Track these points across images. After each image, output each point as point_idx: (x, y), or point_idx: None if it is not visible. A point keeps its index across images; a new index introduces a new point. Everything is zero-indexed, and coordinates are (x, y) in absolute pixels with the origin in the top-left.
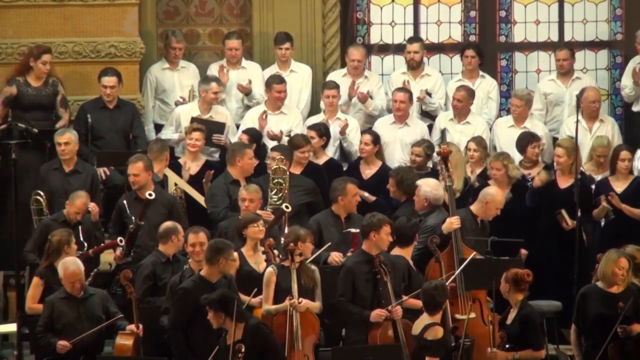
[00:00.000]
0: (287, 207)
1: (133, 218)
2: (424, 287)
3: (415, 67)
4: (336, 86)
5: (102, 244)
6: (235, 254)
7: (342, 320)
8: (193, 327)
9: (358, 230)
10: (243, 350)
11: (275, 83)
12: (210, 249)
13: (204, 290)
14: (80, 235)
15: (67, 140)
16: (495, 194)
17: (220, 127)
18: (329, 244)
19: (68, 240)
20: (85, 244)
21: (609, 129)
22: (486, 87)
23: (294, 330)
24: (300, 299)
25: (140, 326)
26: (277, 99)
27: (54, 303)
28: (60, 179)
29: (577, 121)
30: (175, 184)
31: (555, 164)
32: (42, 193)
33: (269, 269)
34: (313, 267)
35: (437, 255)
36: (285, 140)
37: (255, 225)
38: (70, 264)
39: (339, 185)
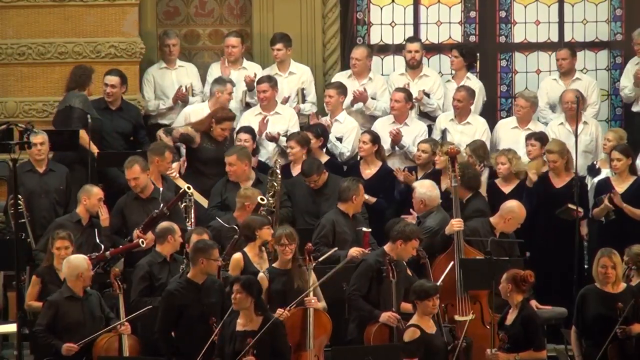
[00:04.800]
0: (262, 199)
1: (162, 204)
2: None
3: (415, 66)
4: (336, 87)
5: (121, 246)
6: (239, 255)
7: (346, 316)
8: (179, 327)
9: (369, 230)
10: (251, 343)
11: (257, 83)
12: (192, 249)
13: (189, 292)
14: (96, 237)
15: (42, 140)
16: (517, 211)
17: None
18: (335, 248)
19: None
20: (102, 246)
21: (592, 131)
22: None
23: (308, 329)
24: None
25: (127, 325)
26: (261, 99)
27: (58, 303)
28: (37, 180)
29: (577, 122)
30: (189, 187)
31: (550, 168)
32: (20, 197)
33: (261, 274)
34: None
35: (422, 255)
36: (282, 140)
37: (269, 227)
38: (75, 258)
39: (352, 185)
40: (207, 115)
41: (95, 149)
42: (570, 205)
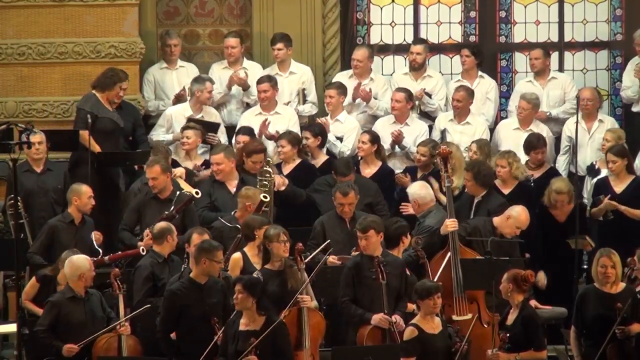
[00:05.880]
0: (265, 196)
1: (173, 207)
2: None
3: (417, 68)
4: (337, 87)
5: (120, 252)
6: (238, 255)
7: (343, 320)
8: (181, 327)
9: None
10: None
11: (258, 83)
12: (196, 249)
13: (191, 292)
14: (94, 242)
15: (40, 140)
16: (520, 213)
17: (214, 127)
18: (328, 241)
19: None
20: (100, 251)
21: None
22: (484, 87)
23: (303, 328)
24: (307, 296)
25: (127, 325)
26: (261, 98)
27: (60, 304)
28: (35, 179)
29: (577, 122)
30: (197, 192)
31: (557, 207)
32: (18, 197)
33: (254, 275)
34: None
35: (421, 255)
36: None
37: (268, 227)
38: (77, 258)
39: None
40: (237, 150)
41: (97, 148)
42: (587, 238)
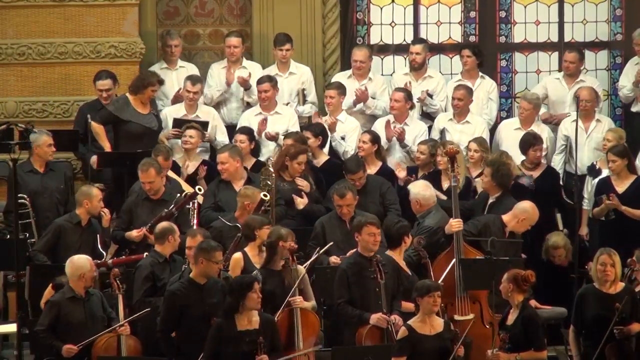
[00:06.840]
0: (265, 195)
1: (173, 205)
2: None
3: (417, 68)
4: (336, 87)
5: (124, 256)
6: (239, 254)
7: (340, 320)
8: (181, 328)
9: None
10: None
11: (258, 83)
12: (195, 249)
13: (191, 293)
14: (98, 243)
15: (50, 142)
16: (531, 212)
17: (203, 126)
18: (331, 243)
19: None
20: (104, 253)
21: (605, 129)
22: (486, 87)
23: (295, 329)
24: (299, 297)
25: (127, 325)
26: (262, 98)
27: (60, 304)
28: (38, 180)
29: (577, 120)
30: (200, 189)
31: (556, 261)
32: (26, 197)
33: (254, 274)
34: (299, 268)
35: (423, 255)
36: (282, 139)
37: (269, 227)
38: (78, 258)
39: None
40: (278, 155)
41: (107, 146)
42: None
